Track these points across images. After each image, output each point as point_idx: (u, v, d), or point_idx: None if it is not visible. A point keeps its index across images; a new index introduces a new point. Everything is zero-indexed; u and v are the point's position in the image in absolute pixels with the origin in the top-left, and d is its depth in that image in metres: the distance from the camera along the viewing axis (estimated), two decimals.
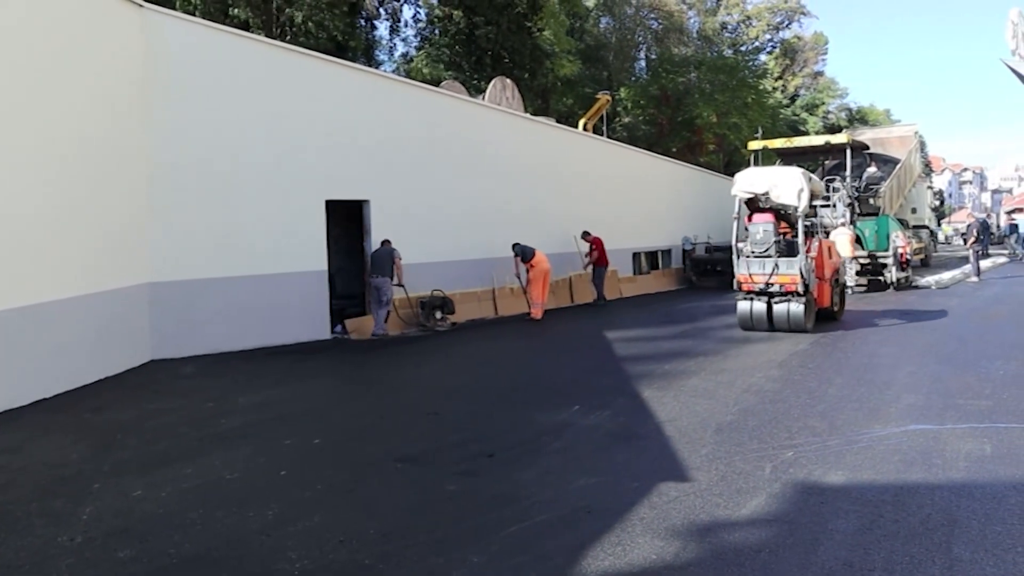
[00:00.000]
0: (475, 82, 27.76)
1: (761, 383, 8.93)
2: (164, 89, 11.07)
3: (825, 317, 13.87)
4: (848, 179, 22.67)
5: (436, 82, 21.66)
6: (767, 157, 27.27)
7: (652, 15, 45.50)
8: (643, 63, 46.85)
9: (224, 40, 12.15)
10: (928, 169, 50.77)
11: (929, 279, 22.51)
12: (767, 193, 12.80)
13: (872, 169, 25.43)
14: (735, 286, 13.34)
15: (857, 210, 22.50)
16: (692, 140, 38.95)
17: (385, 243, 14.02)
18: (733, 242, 13.42)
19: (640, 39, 46.26)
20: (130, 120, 10.62)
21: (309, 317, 12.89)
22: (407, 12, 33.05)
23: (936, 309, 16.13)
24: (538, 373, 10.50)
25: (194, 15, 19.05)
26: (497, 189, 17.62)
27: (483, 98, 21.57)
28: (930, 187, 34.32)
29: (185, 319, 11.26)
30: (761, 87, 42.34)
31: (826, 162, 26.95)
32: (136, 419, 7.73)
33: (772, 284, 12.73)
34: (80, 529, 4.78)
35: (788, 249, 12.81)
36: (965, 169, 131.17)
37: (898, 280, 20.62)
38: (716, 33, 50.79)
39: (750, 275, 12.95)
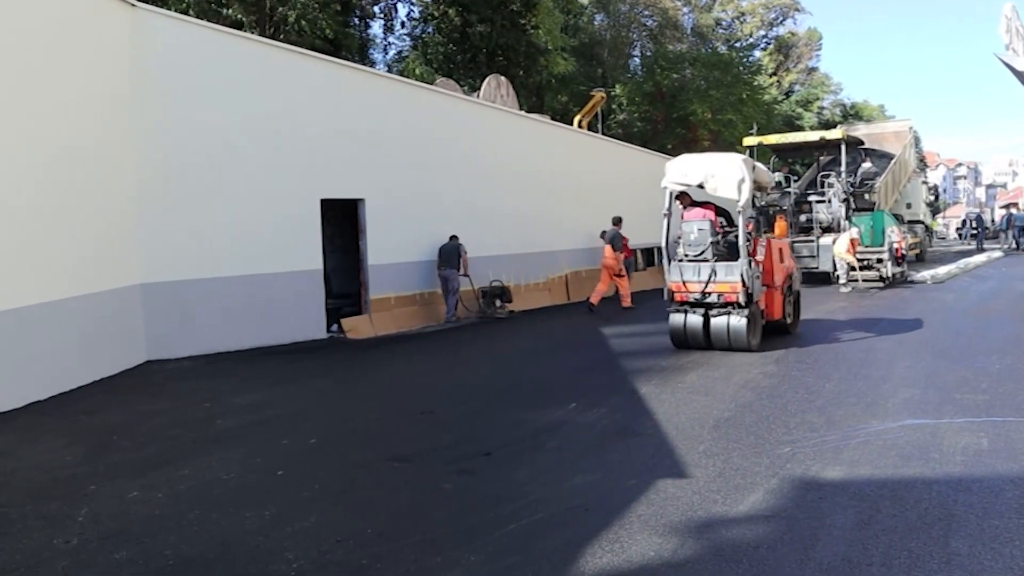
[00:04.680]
0: (469, 80, 27.71)
1: (758, 379, 8.93)
2: (156, 88, 11.01)
3: (775, 331, 11.87)
4: (843, 175, 22.73)
5: (428, 83, 21.65)
6: (762, 153, 27.32)
7: (646, 12, 45.45)
8: (638, 60, 46.80)
9: (217, 39, 12.11)
10: (923, 164, 50.69)
11: (925, 274, 22.54)
12: (702, 184, 10.96)
13: (867, 165, 25.51)
14: (665, 295, 11.30)
15: (852, 206, 22.56)
16: (687, 137, 38.93)
17: (453, 238, 15.25)
18: (663, 244, 11.58)
19: (634, 36, 46.21)
20: (121, 119, 10.57)
21: (304, 317, 12.85)
22: (401, 10, 33.03)
23: (932, 304, 16.14)
24: (534, 371, 10.49)
25: (187, 14, 18.98)
26: (491, 186, 17.60)
27: (478, 96, 21.53)
28: (925, 182, 34.36)
29: (179, 320, 11.21)
30: (756, 83, 42.37)
31: (821, 158, 27.02)
32: (131, 420, 7.71)
33: (709, 293, 10.81)
34: (76, 531, 4.76)
35: (728, 252, 10.97)
36: (960, 164, 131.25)
37: (894, 275, 20.65)
38: (710, 29, 50.78)
39: (683, 283, 11.02)
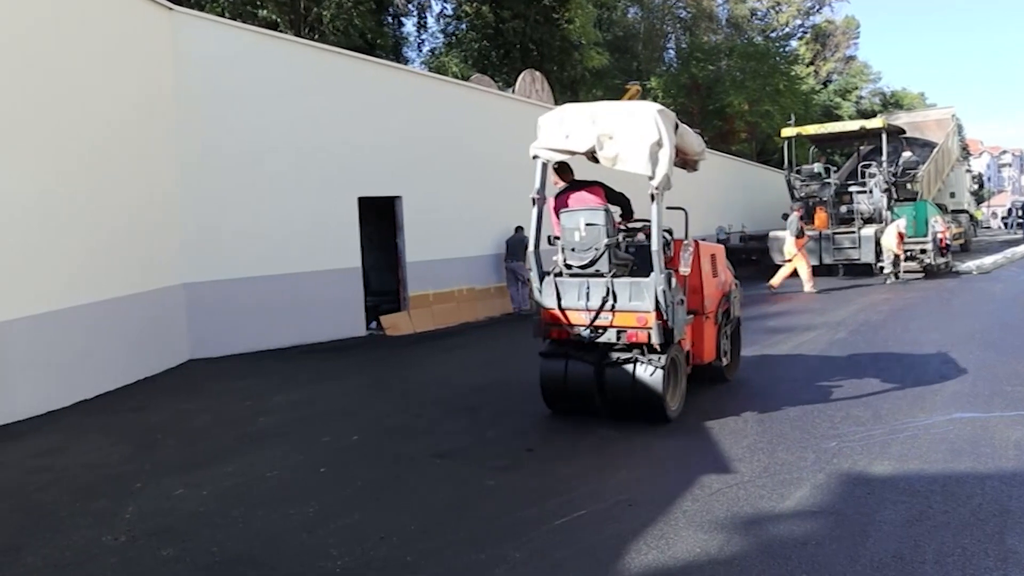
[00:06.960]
0: (504, 76, 27.69)
1: (799, 372, 8.80)
2: (194, 90, 11.13)
3: (705, 377, 8.17)
4: (884, 164, 22.34)
5: (464, 80, 21.69)
6: (800, 146, 26.90)
7: (680, 3, 45.10)
8: (672, 52, 46.47)
9: (253, 40, 12.21)
10: (966, 152, 49.69)
11: (970, 264, 22.12)
12: (594, 152, 7.10)
13: (908, 154, 25.08)
14: (535, 331, 7.31)
15: (894, 196, 22.19)
16: (724, 129, 38.54)
17: (519, 230, 15.54)
18: (531, 244, 7.42)
19: (669, 28, 45.89)
20: (161, 122, 10.69)
21: (344, 314, 12.94)
22: (435, 8, 33.11)
23: (978, 294, 15.80)
24: None
25: (222, 15, 19.17)
26: (528, 183, 17.51)
27: (512, 91, 21.50)
28: (968, 171, 33.72)
29: (221, 319, 11.33)
30: (793, 73, 41.80)
31: (861, 148, 26.62)
32: (176, 419, 7.80)
33: (603, 328, 6.78)
34: (123, 528, 4.82)
35: (636, 261, 7.25)
36: (1004, 152, 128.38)
37: (938, 266, 20.28)
38: (746, 20, 50.23)
39: (562, 310, 6.97)
